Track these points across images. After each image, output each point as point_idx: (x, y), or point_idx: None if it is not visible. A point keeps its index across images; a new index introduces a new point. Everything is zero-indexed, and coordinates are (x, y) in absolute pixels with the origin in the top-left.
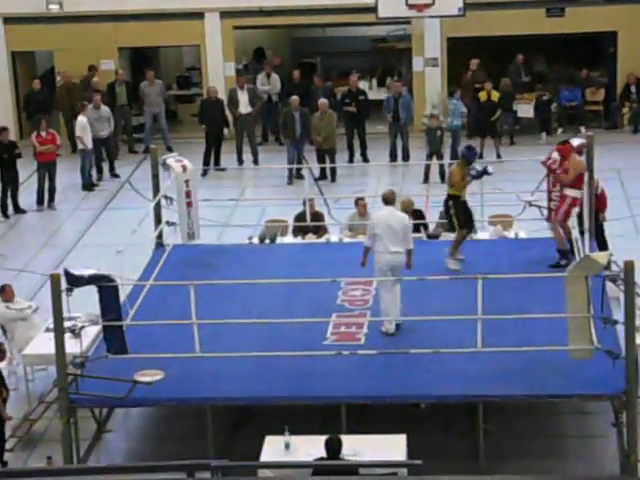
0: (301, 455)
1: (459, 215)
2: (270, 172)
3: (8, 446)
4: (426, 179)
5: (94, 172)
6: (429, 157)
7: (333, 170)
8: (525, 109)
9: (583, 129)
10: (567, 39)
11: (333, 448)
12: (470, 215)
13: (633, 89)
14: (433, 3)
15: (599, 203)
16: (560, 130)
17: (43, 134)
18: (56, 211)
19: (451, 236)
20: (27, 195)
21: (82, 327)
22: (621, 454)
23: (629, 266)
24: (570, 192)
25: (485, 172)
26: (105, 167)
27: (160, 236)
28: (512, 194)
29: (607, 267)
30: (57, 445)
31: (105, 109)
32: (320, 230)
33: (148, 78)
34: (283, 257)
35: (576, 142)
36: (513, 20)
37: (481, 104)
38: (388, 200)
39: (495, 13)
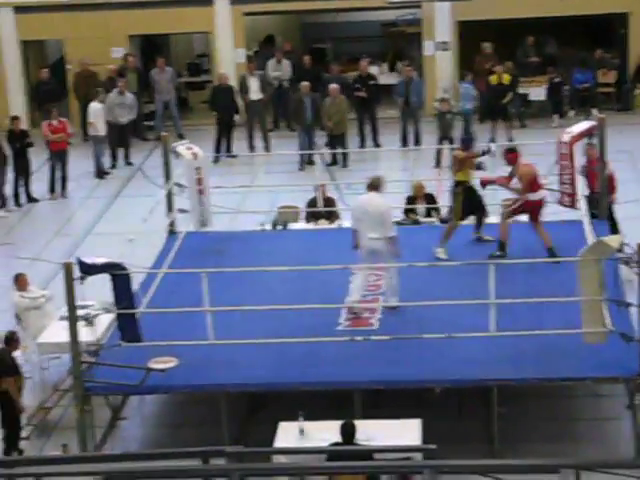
0: (315, 440)
1: (461, 204)
2: (282, 158)
3: (24, 434)
4: (437, 164)
5: (107, 159)
6: (440, 141)
7: (345, 155)
8: (537, 92)
9: (595, 111)
10: (578, 21)
11: (347, 433)
12: (477, 203)
13: None
14: None
15: (608, 185)
16: (572, 112)
17: (54, 123)
18: (68, 199)
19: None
20: (39, 184)
21: (95, 315)
22: (635, 437)
23: None
24: (530, 196)
25: (484, 152)
26: (120, 154)
27: (172, 224)
28: None
29: (620, 250)
30: (72, 433)
31: (130, 95)
32: (332, 216)
33: (159, 65)
34: (296, 243)
35: (585, 126)
36: (524, 2)
37: (492, 87)
38: (372, 185)
39: None
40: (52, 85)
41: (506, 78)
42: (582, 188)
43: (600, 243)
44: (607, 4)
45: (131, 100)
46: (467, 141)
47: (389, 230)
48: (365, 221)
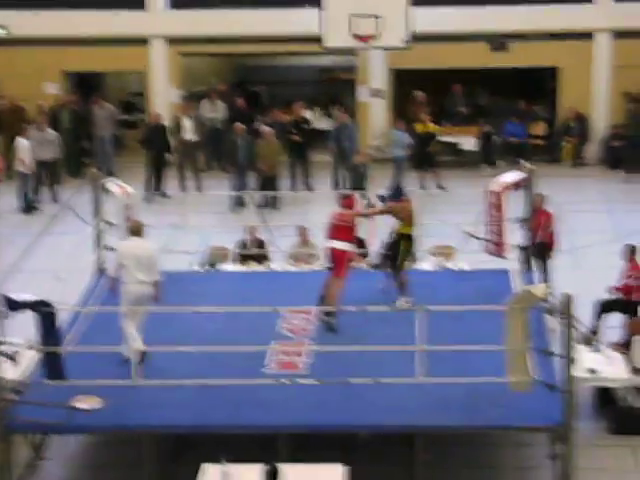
0: None
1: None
2: (213, 199)
3: None
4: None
5: (32, 195)
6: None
7: (276, 198)
8: (467, 141)
9: (523, 162)
10: (510, 73)
11: (271, 477)
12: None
13: (573, 124)
14: (378, 35)
15: (550, 242)
16: (502, 163)
17: None
18: None
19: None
20: None
21: (19, 352)
22: None
23: (567, 298)
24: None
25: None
26: (47, 192)
27: (100, 261)
28: (454, 225)
29: (545, 299)
30: None
31: (50, 132)
32: (262, 258)
33: (96, 102)
34: (224, 284)
35: (515, 176)
36: (457, 53)
37: (418, 135)
38: (134, 231)
39: (440, 46)
40: None
41: (431, 127)
42: (512, 237)
43: (527, 292)
44: (538, 58)
45: (52, 137)
46: (396, 193)
47: (157, 274)
48: (135, 266)
